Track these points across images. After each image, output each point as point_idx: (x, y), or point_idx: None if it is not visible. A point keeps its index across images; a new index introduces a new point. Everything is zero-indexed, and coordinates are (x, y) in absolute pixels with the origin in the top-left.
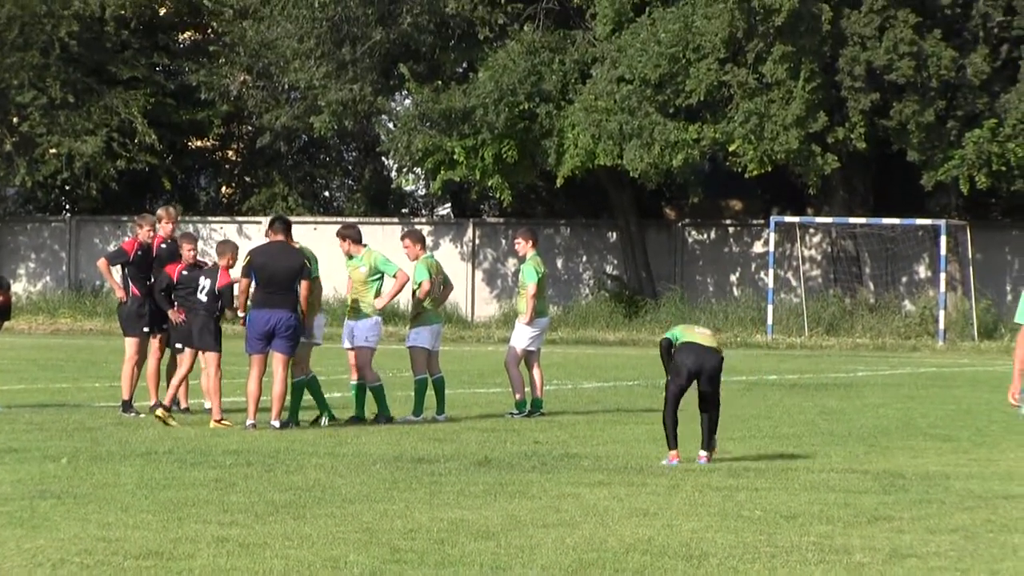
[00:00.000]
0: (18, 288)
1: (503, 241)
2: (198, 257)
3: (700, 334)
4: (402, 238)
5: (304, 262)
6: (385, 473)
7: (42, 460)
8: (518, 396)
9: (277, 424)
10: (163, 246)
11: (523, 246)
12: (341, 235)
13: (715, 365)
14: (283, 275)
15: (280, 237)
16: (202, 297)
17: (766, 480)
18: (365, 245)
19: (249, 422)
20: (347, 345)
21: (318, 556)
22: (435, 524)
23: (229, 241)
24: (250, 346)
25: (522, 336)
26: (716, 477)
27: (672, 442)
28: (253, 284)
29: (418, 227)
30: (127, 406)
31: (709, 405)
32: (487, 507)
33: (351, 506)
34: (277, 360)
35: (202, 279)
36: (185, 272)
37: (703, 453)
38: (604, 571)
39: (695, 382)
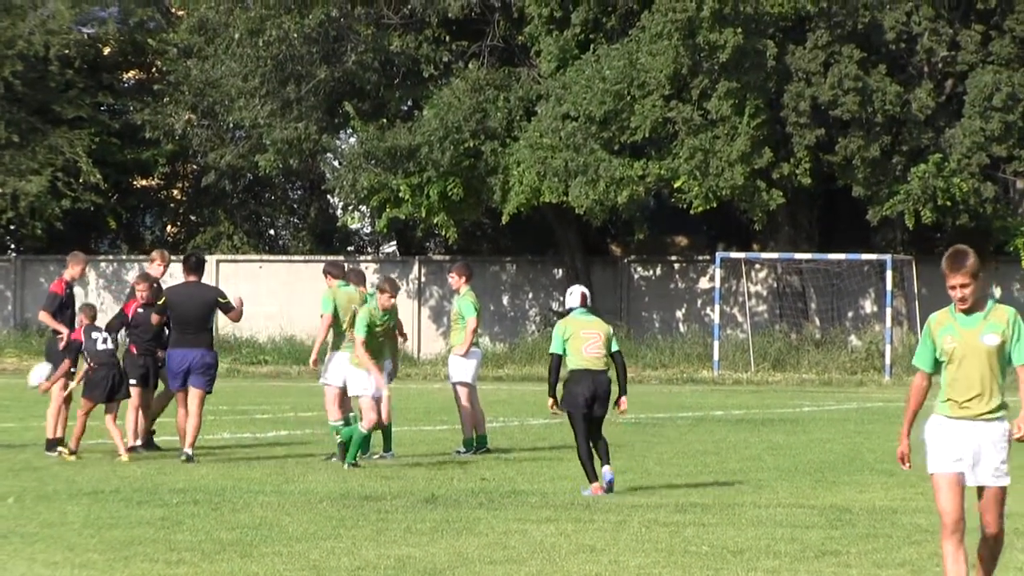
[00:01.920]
0: None
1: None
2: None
3: (589, 355)
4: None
5: (216, 298)
6: (332, 511)
7: None
8: (467, 433)
9: (190, 452)
10: (153, 286)
11: (457, 280)
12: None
13: (607, 388)
14: (195, 314)
15: (193, 277)
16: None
17: (713, 515)
18: (344, 282)
19: (187, 451)
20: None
21: None
22: (382, 561)
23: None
24: (172, 384)
25: (464, 370)
26: (663, 513)
27: (591, 476)
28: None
29: (363, 265)
30: (51, 445)
31: (599, 430)
32: (434, 544)
33: (298, 544)
34: (192, 395)
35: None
36: (140, 311)
37: (607, 468)
38: None
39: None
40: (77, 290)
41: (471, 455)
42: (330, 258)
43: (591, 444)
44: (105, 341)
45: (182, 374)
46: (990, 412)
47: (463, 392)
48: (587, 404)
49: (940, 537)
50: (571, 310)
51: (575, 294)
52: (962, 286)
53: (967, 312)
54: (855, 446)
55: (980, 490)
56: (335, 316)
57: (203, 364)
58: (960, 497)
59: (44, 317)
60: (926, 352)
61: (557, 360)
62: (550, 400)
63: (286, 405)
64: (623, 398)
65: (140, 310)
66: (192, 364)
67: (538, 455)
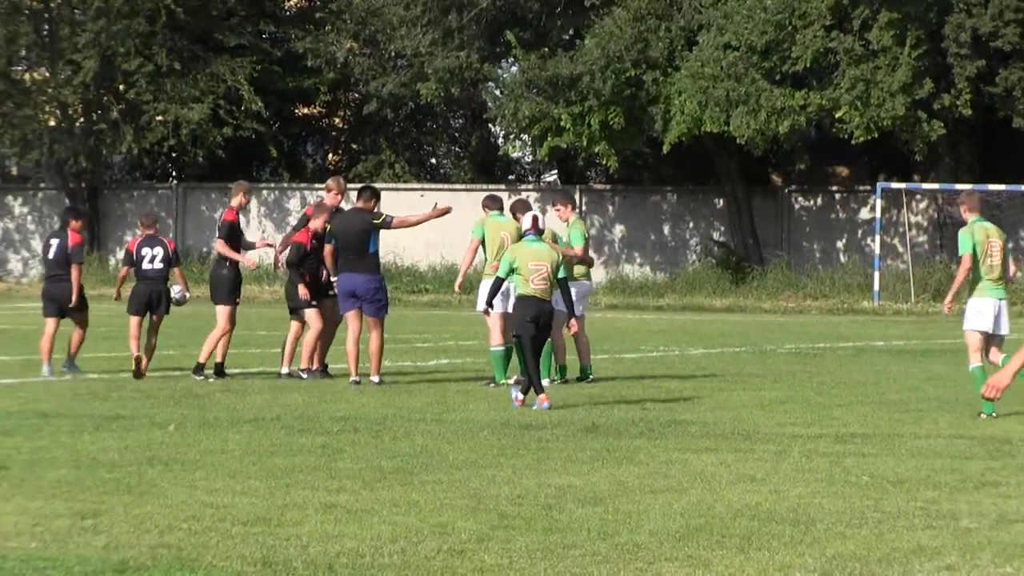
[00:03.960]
0: (123, 255)
1: (610, 208)
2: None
3: (536, 286)
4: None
5: (370, 223)
6: (492, 439)
7: (150, 427)
8: (560, 361)
9: (376, 379)
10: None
11: (565, 211)
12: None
13: (550, 314)
14: (353, 240)
15: (360, 204)
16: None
17: (873, 446)
18: (499, 212)
19: (352, 379)
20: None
21: (426, 522)
22: (543, 490)
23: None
24: (342, 307)
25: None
26: (823, 443)
27: (539, 388)
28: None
29: (524, 194)
30: (199, 369)
31: (537, 349)
32: (594, 473)
33: (458, 472)
34: (368, 324)
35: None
36: (315, 241)
37: (519, 378)
38: (712, 536)
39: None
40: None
41: (585, 382)
42: (491, 187)
43: (537, 359)
44: (152, 260)
45: (349, 298)
46: None
47: (576, 322)
48: (534, 328)
49: None
50: (525, 234)
51: (528, 219)
52: None
53: None
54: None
55: None
56: (483, 244)
57: (367, 290)
58: None
59: (221, 246)
60: None
61: (499, 283)
62: (485, 305)
63: (446, 334)
64: (572, 320)
65: (315, 240)
66: (357, 290)
67: (698, 385)
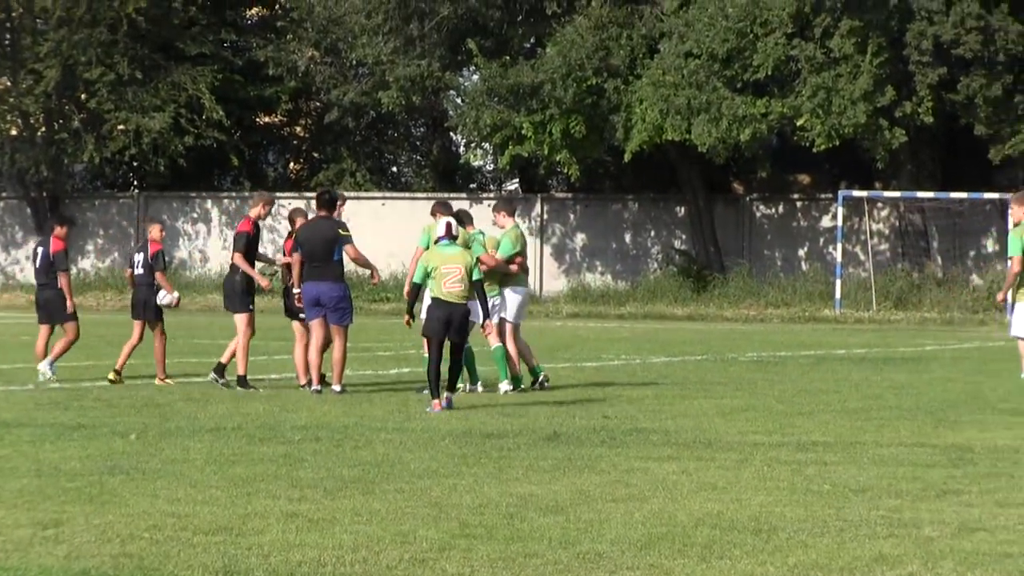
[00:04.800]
0: (86, 264)
1: (571, 216)
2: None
3: (448, 289)
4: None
5: (337, 232)
6: (454, 448)
7: (111, 436)
8: (515, 372)
9: (338, 388)
10: None
11: (499, 218)
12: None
13: (462, 317)
14: (320, 248)
15: (323, 212)
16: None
17: (835, 454)
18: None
19: (314, 388)
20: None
21: (387, 531)
22: (504, 499)
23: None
24: (307, 315)
25: (512, 308)
26: (785, 451)
27: (435, 393)
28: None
29: (486, 203)
30: (242, 381)
31: (455, 352)
32: (556, 482)
33: (420, 481)
34: (333, 331)
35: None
36: None
37: (448, 395)
38: (673, 545)
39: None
40: (202, 227)
41: (541, 387)
42: (452, 196)
43: (439, 367)
44: (137, 265)
45: (313, 307)
46: None
47: (510, 327)
48: (444, 330)
49: None
50: (438, 240)
51: (441, 226)
52: None
53: None
54: (977, 385)
55: None
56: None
57: (331, 298)
58: None
59: (238, 260)
60: None
61: (416, 289)
62: (406, 316)
63: (408, 343)
64: (488, 322)
65: None
66: (321, 298)
67: (660, 393)
